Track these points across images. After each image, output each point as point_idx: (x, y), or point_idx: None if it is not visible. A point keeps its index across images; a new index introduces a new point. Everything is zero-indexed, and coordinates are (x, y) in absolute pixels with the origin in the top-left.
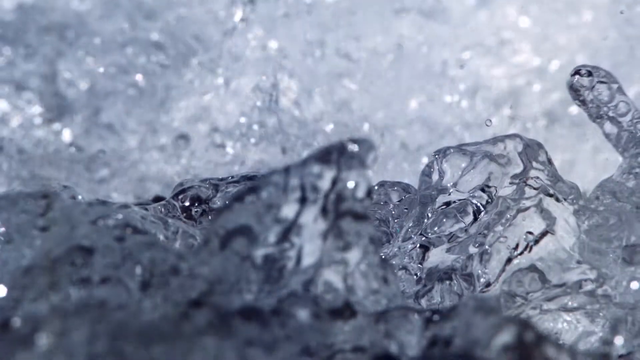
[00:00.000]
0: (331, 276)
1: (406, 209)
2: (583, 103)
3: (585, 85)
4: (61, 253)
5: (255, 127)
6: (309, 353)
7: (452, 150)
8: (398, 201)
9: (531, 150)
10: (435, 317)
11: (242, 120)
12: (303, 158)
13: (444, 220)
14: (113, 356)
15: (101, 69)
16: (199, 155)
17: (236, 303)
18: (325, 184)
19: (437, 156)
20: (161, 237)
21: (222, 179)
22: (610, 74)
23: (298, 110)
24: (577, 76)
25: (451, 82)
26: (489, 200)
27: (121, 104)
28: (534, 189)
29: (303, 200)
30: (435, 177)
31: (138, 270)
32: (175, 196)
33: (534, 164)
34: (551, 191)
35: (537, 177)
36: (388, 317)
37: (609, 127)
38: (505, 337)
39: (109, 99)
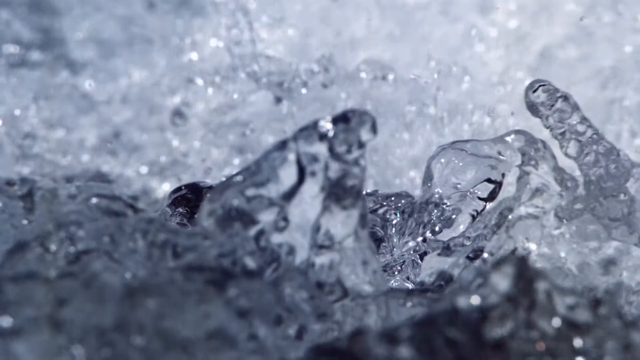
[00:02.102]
0: (323, 256)
1: (404, 213)
2: (539, 117)
3: (544, 102)
4: (50, 228)
5: (244, 74)
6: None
7: (452, 151)
8: (396, 207)
9: (535, 148)
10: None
11: (232, 65)
12: (296, 132)
13: (442, 225)
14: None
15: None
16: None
17: (234, 269)
18: (318, 160)
19: (437, 156)
20: None
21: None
22: (567, 93)
23: (297, 55)
24: (535, 92)
25: (463, 29)
26: (490, 200)
27: (126, 53)
28: (535, 192)
29: (298, 178)
30: (434, 179)
31: (131, 243)
32: (170, 204)
33: (537, 164)
34: (553, 195)
35: (541, 182)
36: (380, 298)
37: (570, 145)
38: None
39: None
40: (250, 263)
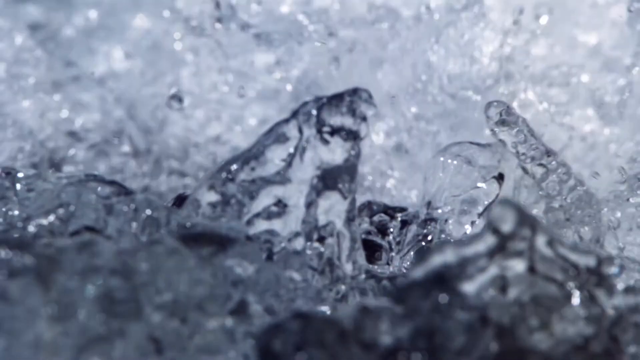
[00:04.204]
0: (316, 239)
1: (404, 222)
2: (497, 136)
3: (503, 123)
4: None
5: (237, 25)
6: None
7: (448, 156)
8: (395, 216)
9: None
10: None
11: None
12: (295, 111)
13: (441, 232)
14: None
15: None
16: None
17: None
18: (317, 141)
19: (434, 162)
20: None
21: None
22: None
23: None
24: (492, 112)
25: None
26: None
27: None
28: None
29: (296, 160)
30: (432, 186)
31: (123, 221)
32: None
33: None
34: (551, 198)
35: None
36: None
37: (532, 169)
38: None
39: None
40: (245, 243)
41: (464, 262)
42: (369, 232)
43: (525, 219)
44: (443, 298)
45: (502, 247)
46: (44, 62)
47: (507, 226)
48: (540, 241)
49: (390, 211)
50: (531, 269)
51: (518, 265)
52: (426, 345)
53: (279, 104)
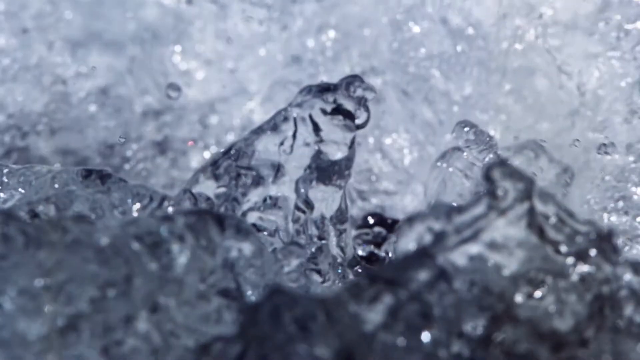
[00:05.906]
0: (309, 233)
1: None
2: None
3: (474, 142)
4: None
5: None
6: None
7: (445, 166)
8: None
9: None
10: None
11: None
12: (295, 99)
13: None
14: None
15: None
16: None
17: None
18: (317, 130)
19: (432, 173)
20: None
21: None
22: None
23: None
24: (459, 133)
25: None
26: None
27: None
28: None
29: (286, 151)
30: (430, 197)
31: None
32: None
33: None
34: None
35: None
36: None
37: None
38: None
39: None
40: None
41: (457, 227)
42: (366, 243)
43: (523, 181)
44: (434, 267)
45: (499, 210)
46: (63, 23)
47: (504, 188)
48: (540, 205)
49: (388, 222)
50: (530, 233)
51: (516, 229)
52: (415, 318)
53: (280, 68)
